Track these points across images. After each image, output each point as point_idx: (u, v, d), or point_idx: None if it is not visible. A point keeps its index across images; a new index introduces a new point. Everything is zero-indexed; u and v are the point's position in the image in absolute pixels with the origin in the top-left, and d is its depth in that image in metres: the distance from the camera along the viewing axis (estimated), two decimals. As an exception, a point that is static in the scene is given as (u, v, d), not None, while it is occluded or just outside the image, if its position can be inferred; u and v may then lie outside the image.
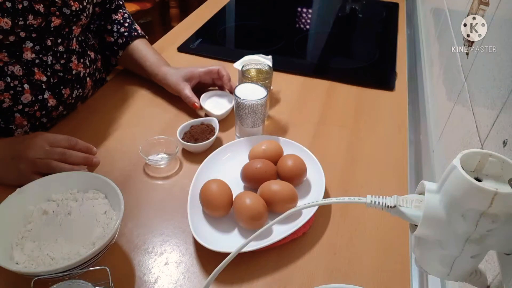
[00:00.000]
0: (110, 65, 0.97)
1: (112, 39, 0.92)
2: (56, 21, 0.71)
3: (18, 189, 0.57)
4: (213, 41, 1.16)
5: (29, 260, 0.50)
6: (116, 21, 0.94)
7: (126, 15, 0.97)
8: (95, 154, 0.70)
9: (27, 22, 0.66)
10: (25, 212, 0.56)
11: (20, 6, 0.64)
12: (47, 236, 0.53)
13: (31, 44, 0.69)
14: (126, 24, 0.94)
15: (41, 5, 0.68)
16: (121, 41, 0.92)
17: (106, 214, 0.57)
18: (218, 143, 0.75)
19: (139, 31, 0.95)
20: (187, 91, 0.82)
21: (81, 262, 0.48)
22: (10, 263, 0.49)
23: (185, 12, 2.37)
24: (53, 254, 0.51)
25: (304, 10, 1.43)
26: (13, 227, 0.54)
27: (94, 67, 0.88)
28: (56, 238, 0.52)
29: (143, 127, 0.81)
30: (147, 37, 0.97)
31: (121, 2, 0.98)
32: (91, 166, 0.68)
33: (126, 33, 0.93)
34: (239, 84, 0.76)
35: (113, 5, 0.95)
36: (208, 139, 0.74)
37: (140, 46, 0.92)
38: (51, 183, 0.59)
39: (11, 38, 0.65)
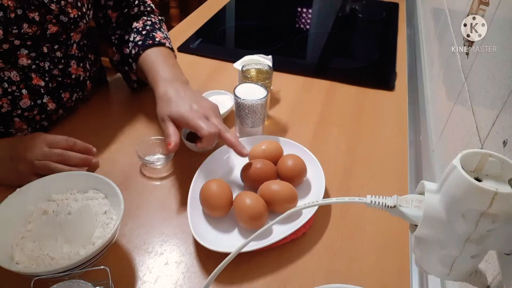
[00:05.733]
0: (131, 81, 0.86)
1: (128, 51, 0.81)
2: (52, 29, 0.69)
3: (18, 189, 0.57)
4: (213, 41, 1.16)
5: (29, 260, 0.51)
6: (135, 30, 0.82)
7: (148, 22, 0.84)
8: (94, 155, 0.69)
9: (22, 31, 0.64)
10: (25, 212, 0.56)
11: (13, 15, 0.63)
12: (47, 236, 0.53)
13: (26, 51, 0.68)
14: (144, 32, 0.81)
15: (37, 13, 0.65)
16: (134, 52, 0.79)
17: (106, 214, 0.57)
18: (218, 143, 0.75)
19: (157, 39, 0.80)
20: (170, 129, 0.65)
21: (81, 262, 0.48)
22: (10, 263, 0.49)
23: (185, 12, 2.37)
24: (53, 254, 0.51)
25: (304, 10, 1.43)
26: (13, 227, 0.54)
27: (95, 69, 0.87)
28: (56, 238, 0.52)
29: (143, 127, 0.81)
30: (168, 45, 0.82)
31: (148, 9, 0.87)
32: (90, 167, 0.68)
33: (140, 42, 0.79)
34: (239, 84, 0.76)
35: (134, 10, 0.84)
36: None
37: (150, 57, 0.77)
38: (51, 183, 0.59)
39: (5, 46, 0.64)
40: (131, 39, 0.81)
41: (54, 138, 0.66)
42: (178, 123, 0.65)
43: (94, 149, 0.70)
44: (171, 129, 0.64)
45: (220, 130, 0.64)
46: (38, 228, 0.54)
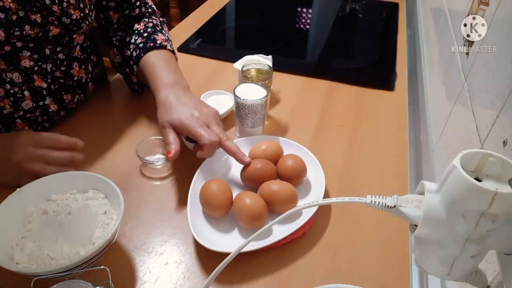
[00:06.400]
0: (132, 83, 0.86)
1: (129, 53, 0.81)
2: (54, 31, 0.68)
3: (18, 189, 0.57)
4: (213, 41, 1.16)
5: (29, 260, 0.50)
6: (136, 32, 0.81)
7: (150, 24, 0.83)
8: (80, 150, 0.66)
9: (24, 33, 0.64)
10: (25, 212, 0.56)
11: (14, 17, 0.62)
12: (47, 236, 0.53)
13: (28, 53, 0.67)
14: (145, 34, 0.80)
15: (38, 15, 0.65)
16: (135, 54, 0.79)
17: (106, 214, 0.57)
18: (218, 143, 0.75)
19: (158, 42, 0.79)
20: (171, 137, 0.65)
21: (81, 262, 0.48)
22: (10, 264, 0.49)
23: (185, 12, 2.37)
24: (53, 254, 0.51)
25: (304, 10, 1.43)
26: (13, 227, 0.54)
27: (97, 70, 0.86)
28: (56, 238, 0.52)
29: (143, 127, 0.81)
30: (169, 47, 0.81)
31: (150, 10, 0.87)
32: (76, 165, 0.65)
33: (141, 45, 0.78)
34: (239, 84, 0.76)
35: (135, 11, 0.84)
36: None
37: (151, 60, 0.76)
38: (51, 183, 0.59)
39: (7, 48, 0.64)
40: (132, 41, 0.81)
41: (39, 136, 0.64)
42: (179, 131, 0.66)
43: (80, 143, 0.66)
44: (172, 137, 0.64)
45: (221, 139, 0.64)
46: (38, 228, 0.54)
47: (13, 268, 0.48)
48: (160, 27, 0.85)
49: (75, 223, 0.54)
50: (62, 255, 0.51)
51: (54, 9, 0.67)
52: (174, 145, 0.63)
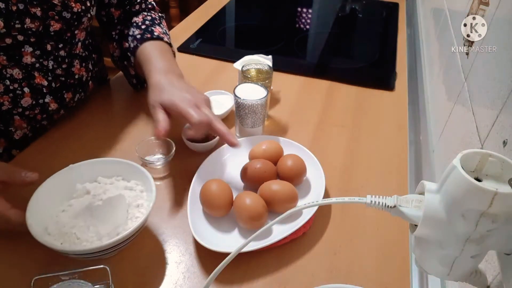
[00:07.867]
0: (130, 76, 0.86)
1: (127, 45, 0.81)
2: (55, 25, 0.68)
3: (70, 165, 0.59)
4: (213, 41, 1.16)
5: (59, 234, 0.52)
6: (134, 24, 0.82)
7: (148, 17, 0.84)
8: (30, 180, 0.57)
9: (25, 26, 0.64)
10: (70, 188, 0.58)
11: (14, 8, 0.62)
12: (80, 216, 0.54)
13: (30, 49, 0.67)
14: (143, 26, 0.81)
15: (38, 9, 0.65)
16: (132, 45, 0.79)
17: (138, 208, 0.58)
18: (218, 143, 0.75)
19: (156, 33, 0.79)
20: (160, 115, 0.64)
21: (98, 249, 0.50)
22: (42, 233, 0.51)
23: (185, 12, 2.37)
24: (80, 234, 0.53)
25: (304, 10, 1.43)
26: (57, 200, 0.57)
27: (97, 69, 0.86)
28: (86, 220, 0.54)
29: (144, 127, 0.81)
30: (166, 40, 0.81)
31: (149, 6, 0.88)
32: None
33: (138, 36, 0.79)
34: (239, 84, 0.76)
35: (135, 7, 0.85)
36: (214, 137, 0.73)
37: (147, 49, 0.77)
38: (100, 165, 0.61)
39: (8, 41, 0.64)
40: (131, 33, 0.81)
41: None
42: (169, 111, 0.65)
43: (29, 176, 0.56)
44: (161, 115, 0.64)
45: (211, 120, 0.64)
46: (76, 206, 0.56)
47: (41, 240, 0.49)
48: (158, 21, 0.85)
49: (105, 210, 0.55)
50: (87, 237, 0.53)
51: (55, 2, 0.67)
52: (163, 123, 0.63)
